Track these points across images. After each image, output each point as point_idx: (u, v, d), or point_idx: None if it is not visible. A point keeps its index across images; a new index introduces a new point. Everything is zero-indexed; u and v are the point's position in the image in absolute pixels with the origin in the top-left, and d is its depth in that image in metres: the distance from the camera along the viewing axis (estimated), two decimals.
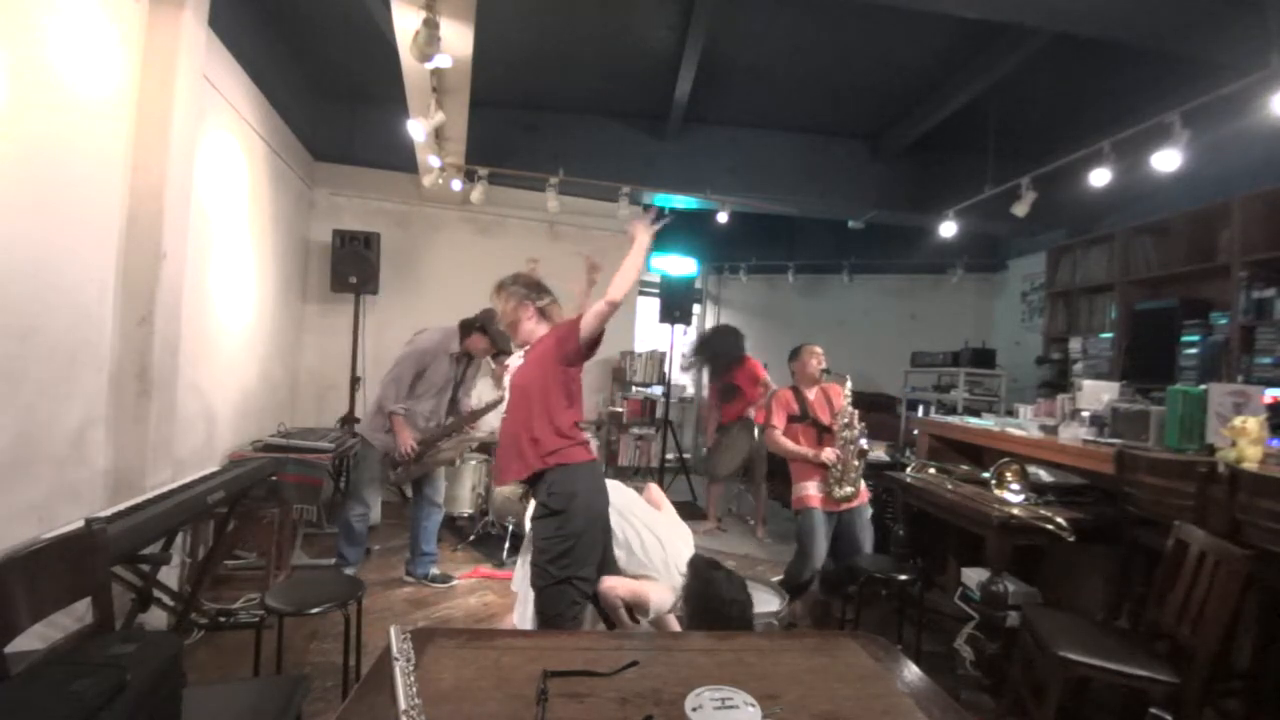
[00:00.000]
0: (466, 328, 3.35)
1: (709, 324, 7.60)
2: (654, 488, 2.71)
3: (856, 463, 3.12)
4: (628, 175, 5.10)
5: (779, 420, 3.31)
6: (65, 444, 2.21)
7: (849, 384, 3.29)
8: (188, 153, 2.71)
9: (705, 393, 5.07)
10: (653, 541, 2.24)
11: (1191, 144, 3.09)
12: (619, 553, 2.24)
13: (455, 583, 3.50)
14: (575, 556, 2.00)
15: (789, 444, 3.25)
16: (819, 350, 3.38)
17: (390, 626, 1.18)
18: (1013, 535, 2.43)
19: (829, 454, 3.12)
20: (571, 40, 4.17)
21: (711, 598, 2.08)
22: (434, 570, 3.50)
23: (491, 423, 4.81)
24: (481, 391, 4.97)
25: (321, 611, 2.03)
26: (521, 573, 2.33)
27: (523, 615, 2.23)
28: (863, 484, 3.19)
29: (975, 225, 5.11)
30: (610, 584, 2.10)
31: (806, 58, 4.21)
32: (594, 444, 4.79)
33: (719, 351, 4.89)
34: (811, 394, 3.33)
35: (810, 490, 3.16)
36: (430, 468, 3.40)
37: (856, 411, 3.22)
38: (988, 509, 2.49)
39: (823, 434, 3.24)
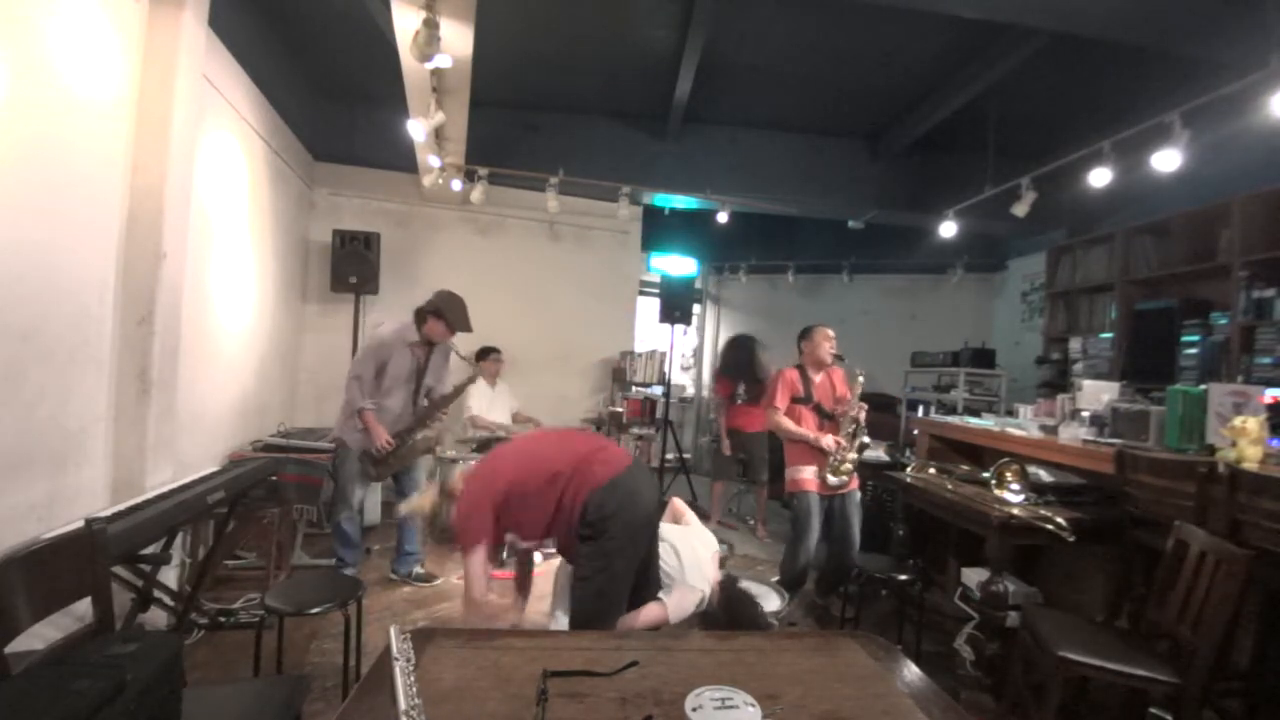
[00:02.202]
0: (421, 315, 3.27)
1: (707, 323, 7.62)
2: (676, 501, 2.68)
3: (855, 455, 3.13)
4: (628, 175, 5.10)
5: (781, 401, 3.25)
6: (65, 444, 2.21)
7: (861, 379, 3.24)
8: (188, 153, 2.71)
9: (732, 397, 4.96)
10: (667, 550, 2.24)
11: (1191, 144, 3.10)
12: None
13: (439, 582, 3.48)
14: (612, 571, 1.96)
15: (791, 425, 3.20)
16: (831, 334, 3.29)
17: (390, 626, 1.18)
18: (1013, 535, 2.42)
19: (829, 441, 3.12)
20: (571, 40, 4.17)
21: (741, 604, 2.13)
22: (418, 569, 3.49)
23: (488, 418, 4.83)
24: (487, 401, 4.94)
25: (321, 611, 2.04)
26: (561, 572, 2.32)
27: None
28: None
29: (975, 225, 5.11)
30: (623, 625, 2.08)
31: (806, 58, 4.21)
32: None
33: (744, 362, 4.80)
34: (817, 377, 3.28)
35: (806, 475, 3.16)
36: (408, 460, 3.34)
37: (865, 406, 3.20)
38: (988, 509, 2.48)
39: (824, 420, 3.21)
